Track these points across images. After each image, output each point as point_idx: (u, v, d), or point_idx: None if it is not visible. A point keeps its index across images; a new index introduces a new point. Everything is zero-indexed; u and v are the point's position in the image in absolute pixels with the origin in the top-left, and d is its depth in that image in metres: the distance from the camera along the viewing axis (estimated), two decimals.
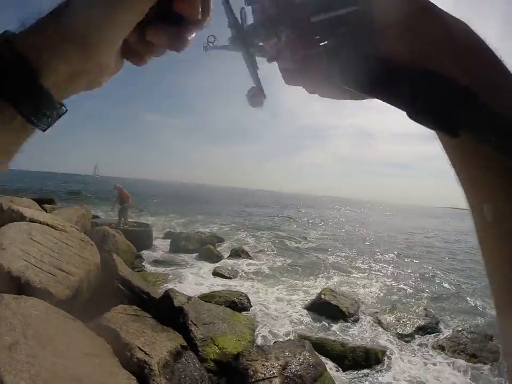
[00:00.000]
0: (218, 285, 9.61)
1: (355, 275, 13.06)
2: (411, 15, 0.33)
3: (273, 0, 0.39)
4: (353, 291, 10.75)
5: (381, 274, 13.75)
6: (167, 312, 5.79)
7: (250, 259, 13.35)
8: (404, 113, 0.33)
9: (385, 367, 6.28)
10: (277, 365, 4.89)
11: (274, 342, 6.07)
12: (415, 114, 0.32)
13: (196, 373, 4.55)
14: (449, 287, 12.82)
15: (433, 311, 9.18)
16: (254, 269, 12.23)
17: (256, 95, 0.45)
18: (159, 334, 4.89)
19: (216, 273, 10.71)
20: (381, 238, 26.18)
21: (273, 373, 4.74)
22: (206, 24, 0.41)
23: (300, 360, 5.06)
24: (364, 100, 0.39)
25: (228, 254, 13.53)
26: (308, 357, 5.17)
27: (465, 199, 0.36)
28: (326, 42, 0.39)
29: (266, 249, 16.29)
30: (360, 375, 5.96)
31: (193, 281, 9.73)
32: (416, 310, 8.83)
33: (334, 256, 16.51)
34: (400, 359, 6.65)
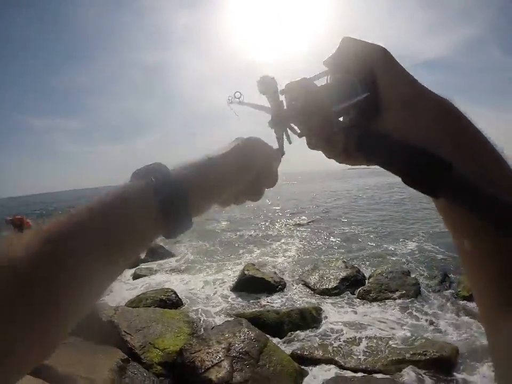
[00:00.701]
0: (143, 286, 9.36)
1: (272, 245, 13.66)
2: (406, 101, 0.41)
3: (303, 96, 0.47)
4: (274, 260, 11.28)
5: (296, 238, 14.59)
6: (98, 329, 5.52)
7: (168, 251, 13.14)
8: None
9: (321, 322, 6.76)
10: (220, 349, 5.04)
11: (212, 328, 6.13)
12: (407, 180, 0.38)
13: (146, 382, 4.50)
14: (359, 237, 14.15)
15: (351, 262, 9.96)
16: (175, 260, 12.13)
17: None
18: (97, 355, 4.70)
19: (137, 276, 10.34)
20: (290, 206, 27.47)
21: (220, 357, 4.88)
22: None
23: (241, 338, 5.26)
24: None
25: (144, 253, 13.05)
26: (247, 332, 5.38)
27: (451, 236, 0.46)
28: (343, 119, 0.47)
29: (181, 238, 16.07)
30: (301, 334, 6.36)
31: (116, 290, 9.19)
32: (336, 264, 9.38)
33: (249, 231, 17.00)
34: (333, 311, 7.20)
